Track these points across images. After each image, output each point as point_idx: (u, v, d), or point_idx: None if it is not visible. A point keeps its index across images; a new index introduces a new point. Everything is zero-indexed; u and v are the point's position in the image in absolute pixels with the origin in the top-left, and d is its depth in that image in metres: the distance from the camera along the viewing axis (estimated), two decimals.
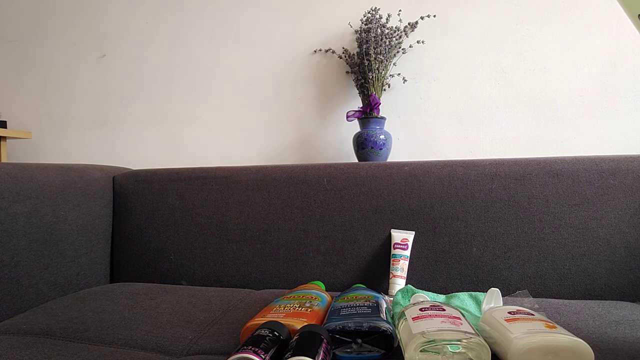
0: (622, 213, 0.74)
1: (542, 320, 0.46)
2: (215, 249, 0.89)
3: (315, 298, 0.61)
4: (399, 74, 1.06)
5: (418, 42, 1.06)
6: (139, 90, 1.26)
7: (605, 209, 0.75)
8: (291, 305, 0.57)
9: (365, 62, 0.98)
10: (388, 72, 1.01)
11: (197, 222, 0.91)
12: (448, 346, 0.41)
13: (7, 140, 1.32)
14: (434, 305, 0.50)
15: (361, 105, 1.02)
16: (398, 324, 0.50)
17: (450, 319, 0.45)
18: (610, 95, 0.97)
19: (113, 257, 0.94)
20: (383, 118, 0.98)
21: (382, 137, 0.95)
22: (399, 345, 0.47)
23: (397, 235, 0.80)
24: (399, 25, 1.04)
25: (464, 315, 0.48)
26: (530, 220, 0.77)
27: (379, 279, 0.82)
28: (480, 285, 0.77)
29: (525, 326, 0.45)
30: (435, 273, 0.79)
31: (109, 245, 0.94)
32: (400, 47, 1.05)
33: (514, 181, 0.78)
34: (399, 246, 0.79)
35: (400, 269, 0.77)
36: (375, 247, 0.82)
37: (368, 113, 0.98)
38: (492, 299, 0.56)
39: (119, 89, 1.28)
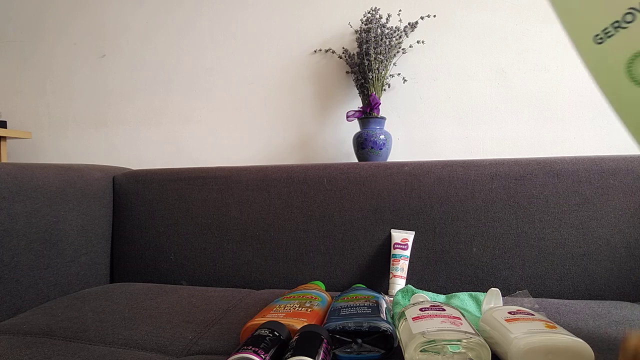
0: (622, 213, 0.74)
1: (542, 321, 0.46)
2: (215, 249, 0.89)
3: (315, 298, 0.61)
4: (399, 74, 1.06)
5: (418, 42, 1.06)
6: (139, 90, 1.26)
7: (605, 209, 0.74)
8: (291, 305, 0.57)
9: (365, 62, 0.98)
10: (388, 72, 1.01)
11: (197, 222, 0.91)
12: (448, 346, 0.42)
13: (7, 140, 1.32)
14: (434, 305, 0.50)
15: (361, 105, 1.02)
16: (398, 324, 0.50)
17: (450, 319, 0.45)
18: None
19: (113, 257, 0.94)
20: (383, 118, 0.98)
21: (382, 137, 0.95)
22: (399, 345, 0.47)
23: (397, 235, 0.80)
24: (399, 25, 1.04)
25: (464, 315, 0.48)
26: (530, 220, 0.77)
27: (379, 279, 0.82)
28: (480, 285, 0.77)
29: (525, 326, 0.45)
30: (435, 273, 0.79)
31: (109, 245, 0.94)
32: (400, 47, 1.05)
33: (514, 181, 0.78)
34: (399, 246, 0.79)
35: (400, 269, 0.77)
36: (375, 247, 0.82)
37: (368, 113, 0.98)
38: (492, 299, 0.56)
39: (119, 88, 1.28)
